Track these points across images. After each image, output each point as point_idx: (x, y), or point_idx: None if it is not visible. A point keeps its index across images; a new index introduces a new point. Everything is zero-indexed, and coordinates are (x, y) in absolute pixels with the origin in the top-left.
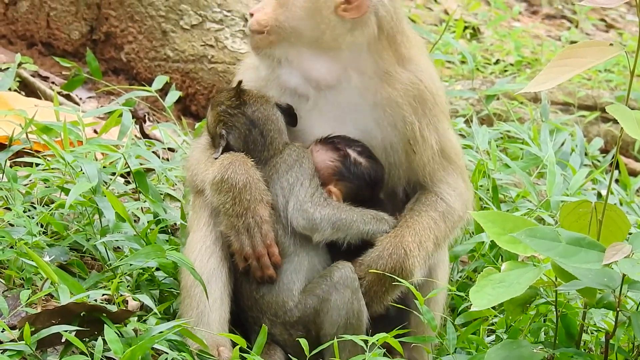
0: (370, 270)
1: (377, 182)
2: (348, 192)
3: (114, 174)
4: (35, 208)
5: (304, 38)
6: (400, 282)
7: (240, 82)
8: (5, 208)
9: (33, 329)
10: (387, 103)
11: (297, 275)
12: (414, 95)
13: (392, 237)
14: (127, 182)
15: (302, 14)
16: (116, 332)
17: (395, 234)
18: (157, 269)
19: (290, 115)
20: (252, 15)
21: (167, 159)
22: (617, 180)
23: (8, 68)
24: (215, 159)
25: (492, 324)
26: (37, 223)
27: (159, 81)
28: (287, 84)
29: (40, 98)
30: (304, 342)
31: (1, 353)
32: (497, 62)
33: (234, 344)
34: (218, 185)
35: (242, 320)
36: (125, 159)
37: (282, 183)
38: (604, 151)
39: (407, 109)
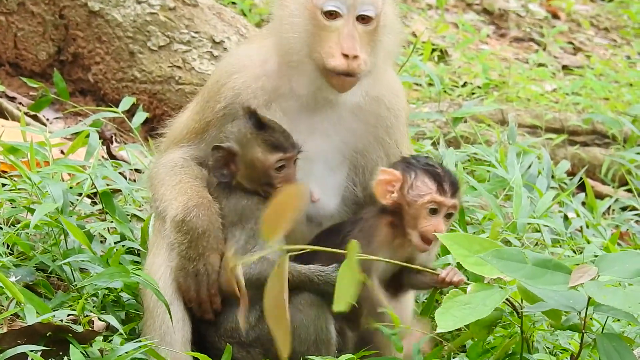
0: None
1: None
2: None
3: (80, 194)
4: (1, 228)
5: None
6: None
7: None
8: None
9: None
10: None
11: (253, 306)
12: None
13: None
14: (94, 203)
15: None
16: (82, 353)
17: None
18: (123, 290)
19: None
20: (355, 56)
21: (134, 180)
22: (583, 203)
23: None
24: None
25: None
26: (3, 243)
27: (126, 102)
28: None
29: (7, 118)
30: None
31: None
32: (464, 84)
33: None
34: (178, 224)
35: (201, 342)
36: (92, 179)
37: None
38: (571, 174)
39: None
